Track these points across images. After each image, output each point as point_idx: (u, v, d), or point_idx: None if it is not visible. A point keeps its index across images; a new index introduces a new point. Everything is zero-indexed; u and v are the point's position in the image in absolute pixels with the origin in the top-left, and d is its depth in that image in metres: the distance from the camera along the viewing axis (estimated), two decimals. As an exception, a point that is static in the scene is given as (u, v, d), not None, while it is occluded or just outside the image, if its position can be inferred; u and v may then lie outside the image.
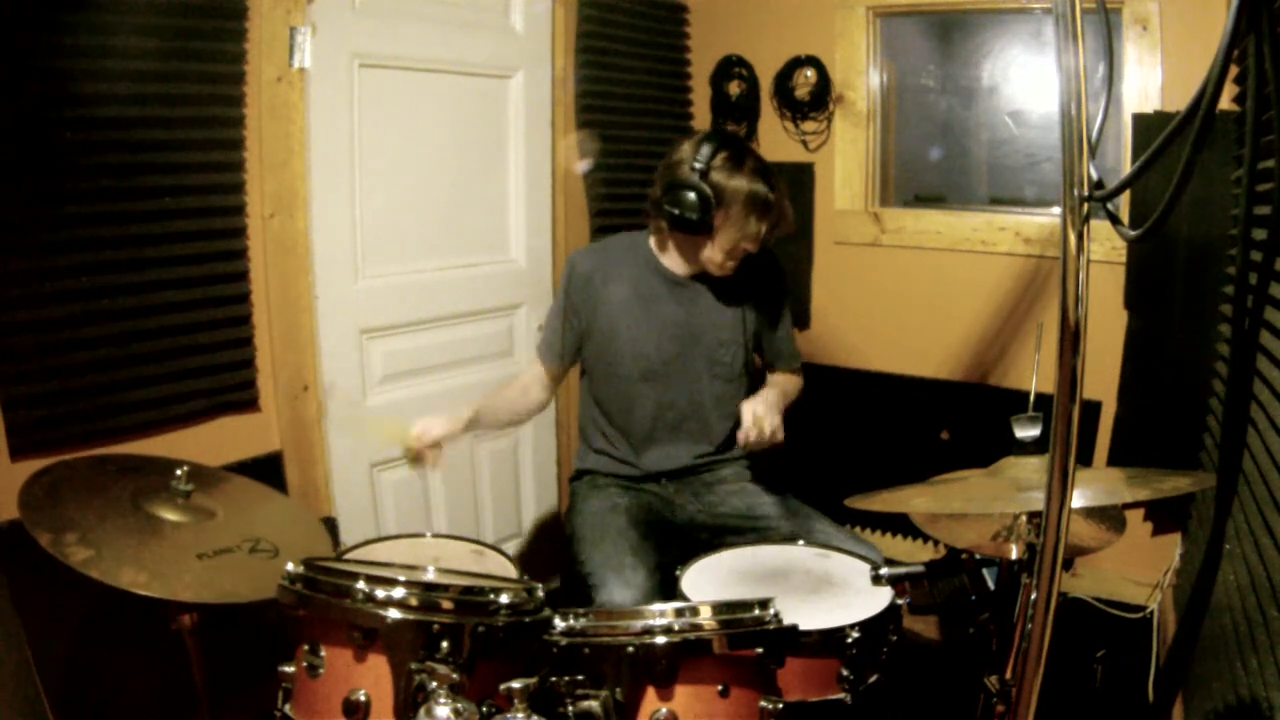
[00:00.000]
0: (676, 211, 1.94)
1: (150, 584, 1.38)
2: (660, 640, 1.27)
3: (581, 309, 2.14)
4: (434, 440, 1.91)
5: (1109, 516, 1.59)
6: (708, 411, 2.18)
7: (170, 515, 1.58)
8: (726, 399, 2.19)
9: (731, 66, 3.09)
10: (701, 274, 2.11)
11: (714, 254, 2.02)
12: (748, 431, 1.93)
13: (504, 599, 1.28)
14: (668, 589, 1.83)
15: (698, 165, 1.93)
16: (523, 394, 2.21)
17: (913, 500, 1.54)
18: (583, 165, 2.92)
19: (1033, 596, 1.08)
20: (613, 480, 2.21)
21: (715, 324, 2.14)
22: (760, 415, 1.93)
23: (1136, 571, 2.49)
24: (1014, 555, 1.45)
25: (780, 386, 2.22)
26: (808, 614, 1.56)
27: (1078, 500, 1.28)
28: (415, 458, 1.93)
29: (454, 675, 1.16)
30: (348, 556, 1.83)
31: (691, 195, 1.92)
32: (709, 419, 2.19)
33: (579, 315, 2.15)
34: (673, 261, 2.12)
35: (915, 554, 2.83)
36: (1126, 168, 2.47)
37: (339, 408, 2.35)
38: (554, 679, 1.27)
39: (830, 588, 1.76)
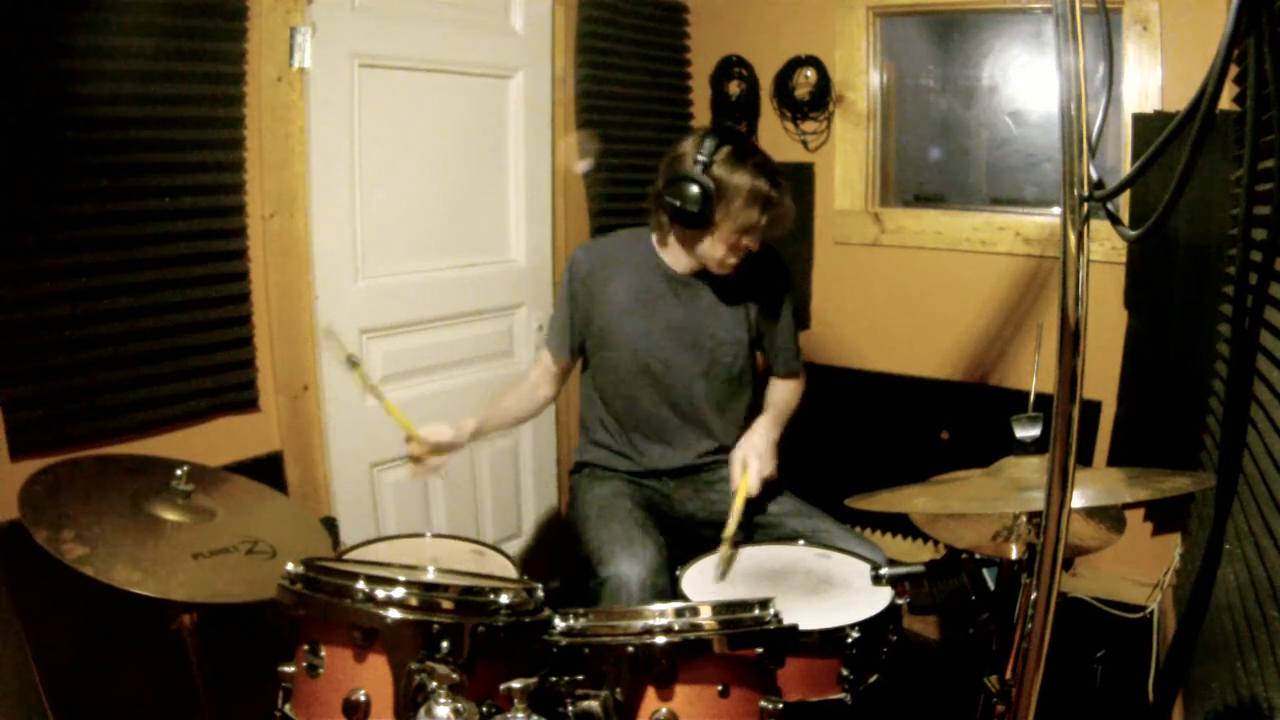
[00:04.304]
0: (676, 203, 1.93)
1: (144, 582, 1.38)
2: (660, 640, 1.27)
3: (583, 304, 2.14)
4: (437, 444, 1.93)
5: (1109, 516, 1.59)
6: (708, 411, 2.17)
7: (170, 515, 1.58)
8: (728, 398, 2.18)
9: (731, 66, 3.08)
10: (703, 272, 2.10)
11: (714, 249, 2.00)
12: (739, 487, 1.98)
13: (504, 599, 1.28)
14: (674, 568, 1.85)
15: (700, 159, 1.92)
16: (530, 392, 2.22)
17: (913, 500, 1.54)
18: (583, 165, 2.92)
19: (1033, 596, 1.08)
20: (613, 474, 2.21)
21: (716, 323, 2.12)
22: (750, 471, 1.99)
23: (1136, 571, 2.49)
24: (1014, 555, 1.45)
25: (777, 409, 2.21)
26: (808, 614, 1.55)
27: (1078, 500, 1.28)
28: (416, 462, 1.93)
29: (454, 675, 1.16)
30: (348, 556, 1.83)
31: (692, 188, 1.91)
32: (709, 419, 2.18)
33: (580, 309, 2.15)
34: (674, 258, 2.11)
35: (915, 554, 2.83)
36: (1126, 168, 2.47)
37: (338, 351, 2.27)
38: (554, 679, 1.27)
39: (830, 588, 1.76)
